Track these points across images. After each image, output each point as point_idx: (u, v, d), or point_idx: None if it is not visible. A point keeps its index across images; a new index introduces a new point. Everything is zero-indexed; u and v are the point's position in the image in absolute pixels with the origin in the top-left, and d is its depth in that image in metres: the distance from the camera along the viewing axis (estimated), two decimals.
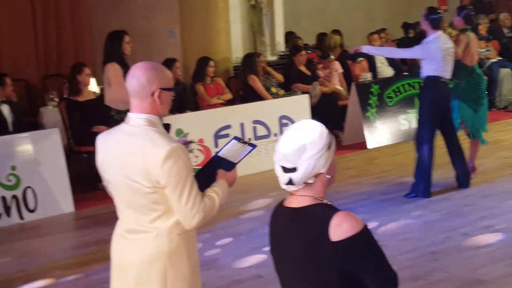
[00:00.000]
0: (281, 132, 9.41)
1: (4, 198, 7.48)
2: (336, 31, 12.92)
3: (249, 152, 3.37)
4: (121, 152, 3.13)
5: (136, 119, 3.13)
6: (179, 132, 8.57)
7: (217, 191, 3.22)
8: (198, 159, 8.67)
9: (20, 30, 11.44)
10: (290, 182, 2.60)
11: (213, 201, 3.18)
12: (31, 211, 7.65)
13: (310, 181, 2.60)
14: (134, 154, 3.07)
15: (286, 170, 2.60)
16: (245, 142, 3.38)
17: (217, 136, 8.92)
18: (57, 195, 7.83)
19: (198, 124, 8.84)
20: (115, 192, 3.28)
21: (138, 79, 3.11)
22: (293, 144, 2.57)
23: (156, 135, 3.07)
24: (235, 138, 3.42)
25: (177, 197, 3.05)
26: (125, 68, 7.34)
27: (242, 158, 3.37)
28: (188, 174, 3.06)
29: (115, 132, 3.21)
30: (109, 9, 11.86)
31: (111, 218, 7.51)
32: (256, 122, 9.34)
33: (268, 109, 9.57)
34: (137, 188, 3.10)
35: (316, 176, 2.60)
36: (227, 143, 3.41)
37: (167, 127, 3.38)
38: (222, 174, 3.32)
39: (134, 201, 3.15)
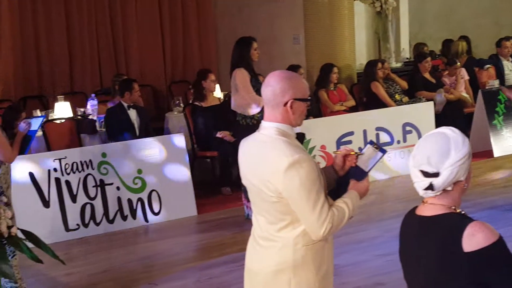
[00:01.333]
0: (405, 139, 9.25)
1: (130, 201, 7.69)
2: (463, 37, 12.52)
3: (380, 158, 3.28)
4: (252, 159, 3.15)
5: (267, 128, 3.13)
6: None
7: (347, 202, 3.14)
8: (320, 165, 8.59)
9: (149, 37, 11.81)
10: (429, 187, 2.54)
11: (343, 212, 3.10)
12: (156, 213, 7.82)
13: (449, 188, 2.54)
14: (261, 162, 3.08)
15: (427, 174, 2.53)
16: (377, 147, 3.28)
17: (340, 142, 8.82)
18: (181, 199, 7.96)
19: (320, 130, 8.77)
20: (251, 198, 3.29)
21: (272, 88, 3.10)
22: (438, 149, 2.52)
23: (282, 145, 3.05)
24: (370, 142, 3.32)
25: (301, 208, 3.02)
26: (252, 74, 7.39)
27: (372, 166, 3.27)
28: (312, 185, 3.01)
29: (251, 139, 3.23)
30: (234, 16, 12.03)
31: (233, 223, 7.62)
32: (379, 129, 9.18)
33: (392, 116, 9.38)
34: (263, 196, 3.11)
35: (455, 183, 2.55)
36: (362, 149, 3.32)
37: (301, 136, 3.33)
38: (353, 184, 3.23)
39: (264, 209, 3.16)
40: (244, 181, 3.27)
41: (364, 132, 9.06)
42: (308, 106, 3.18)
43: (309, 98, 3.20)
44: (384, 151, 3.28)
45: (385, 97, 10.22)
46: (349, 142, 8.81)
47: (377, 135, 9.14)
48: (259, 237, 3.21)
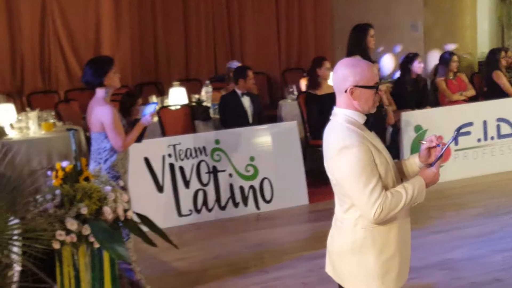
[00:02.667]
0: None
1: (242, 188, 7.72)
2: None
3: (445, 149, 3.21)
4: (324, 146, 3.25)
5: (336, 114, 3.22)
6: (418, 128, 8.31)
7: (407, 187, 3.14)
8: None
9: (264, 25, 11.81)
10: None
11: (399, 197, 3.11)
12: (267, 201, 7.82)
13: None
14: (326, 148, 3.21)
15: None
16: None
17: (458, 133, 8.53)
18: (292, 187, 7.93)
19: (438, 120, 8.50)
20: None
21: (336, 75, 3.22)
22: None
23: (340, 130, 3.14)
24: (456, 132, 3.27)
25: (352, 191, 3.09)
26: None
27: (439, 156, 3.22)
28: (362, 170, 3.04)
29: (327, 127, 3.29)
30: (351, 3, 11.84)
31: None
32: (500, 120, 8.81)
33: None
34: (331, 179, 3.24)
35: None
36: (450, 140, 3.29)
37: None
38: (422, 171, 3.24)
39: (334, 192, 3.28)
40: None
41: (484, 123, 8.73)
42: (373, 93, 3.17)
43: (374, 85, 3.17)
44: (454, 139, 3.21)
45: (507, 87, 9.81)
46: (468, 133, 8.52)
47: (498, 127, 8.79)
48: (335, 218, 3.35)
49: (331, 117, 3.25)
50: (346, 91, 3.14)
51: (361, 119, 3.19)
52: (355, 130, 3.13)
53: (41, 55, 10.11)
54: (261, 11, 11.78)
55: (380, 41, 8.06)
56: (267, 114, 9.04)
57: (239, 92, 8.54)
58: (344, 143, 3.07)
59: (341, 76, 3.16)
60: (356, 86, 3.13)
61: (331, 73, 9.77)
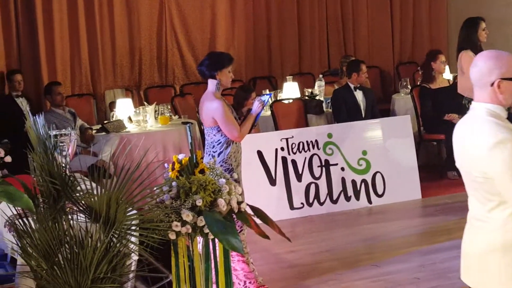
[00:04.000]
0: None
1: (354, 182, 7.68)
2: None
3: None
4: (461, 141, 3.12)
5: (477, 109, 3.09)
6: None
7: None
8: None
9: (378, 18, 11.68)
10: None
11: None
12: (379, 195, 7.75)
13: None
14: (468, 143, 3.06)
15: None
16: None
17: None
18: (405, 182, 7.82)
19: None
20: (463, 179, 3.22)
21: (479, 68, 3.07)
22: None
23: (489, 125, 3.00)
24: None
25: (506, 188, 2.94)
26: None
27: None
28: None
29: (463, 121, 3.17)
30: None
31: (458, 208, 7.31)
32: None
33: None
34: (471, 176, 3.08)
35: None
36: None
37: None
38: None
39: (473, 189, 3.12)
40: (457, 163, 3.21)
41: None
42: None
43: None
44: None
45: None
46: None
47: None
48: (472, 217, 3.18)
49: (469, 112, 3.14)
50: (492, 85, 3.02)
51: (504, 113, 3.07)
52: (503, 124, 3.02)
53: (158, 51, 10.39)
54: (375, 4, 11.65)
55: (498, 35, 7.79)
56: (380, 108, 8.95)
57: (352, 86, 8.49)
58: (496, 138, 2.93)
59: (484, 69, 3.04)
60: (502, 78, 3.01)
61: (447, 67, 9.55)
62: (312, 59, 11.42)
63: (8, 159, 3.26)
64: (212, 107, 5.26)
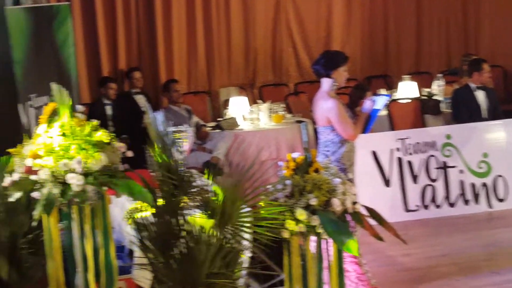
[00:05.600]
0: None
1: (473, 185, 7.44)
2: None
3: None
4: None
5: None
6: None
7: None
8: None
9: (502, 16, 11.29)
10: None
11: None
12: (501, 200, 7.47)
13: None
14: None
15: None
16: None
17: None
18: None
19: None
20: None
21: None
22: None
23: None
24: None
25: None
26: None
27: None
28: None
29: None
30: None
31: None
32: None
33: None
34: None
35: None
36: None
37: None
38: None
39: None
40: None
41: None
42: None
43: None
44: None
45: None
46: None
47: None
48: None
49: None
50: None
51: None
52: None
53: (273, 49, 10.43)
54: (499, 1, 11.23)
55: None
56: (503, 109, 8.61)
57: (473, 86, 8.20)
58: None
59: None
60: None
61: None
62: (431, 58, 11.16)
63: (130, 154, 3.33)
64: (326, 106, 5.21)
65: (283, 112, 8.69)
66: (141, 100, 8.81)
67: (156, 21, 9.46)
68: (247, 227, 3.48)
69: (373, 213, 3.95)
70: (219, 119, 8.89)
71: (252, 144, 8.09)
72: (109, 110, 8.61)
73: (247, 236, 3.51)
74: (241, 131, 8.31)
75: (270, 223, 3.50)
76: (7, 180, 3.25)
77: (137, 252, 3.82)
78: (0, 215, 3.60)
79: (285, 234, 3.62)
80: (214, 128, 8.49)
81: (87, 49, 9.19)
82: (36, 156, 3.16)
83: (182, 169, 3.48)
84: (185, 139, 5.38)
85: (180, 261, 3.37)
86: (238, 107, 8.70)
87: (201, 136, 8.28)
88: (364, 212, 3.91)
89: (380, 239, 3.83)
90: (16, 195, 3.24)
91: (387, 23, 11.00)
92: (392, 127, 8.45)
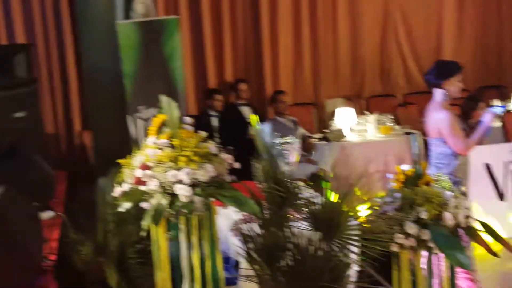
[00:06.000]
0: None
1: None
2: None
3: None
4: None
5: None
6: None
7: None
8: None
9: None
10: None
11: None
12: None
13: None
14: None
15: None
16: None
17: None
18: None
19: None
20: None
21: None
22: None
23: None
24: None
25: None
26: None
27: None
28: None
29: None
30: None
31: None
32: None
33: None
34: None
35: None
36: None
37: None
38: None
39: None
40: None
41: None
42: None
43: None
44: None
45: None
46: None
47: None
48: None
49: None
50: None
51: None
52: None
53: (381, 60, 10.29)
54: None
55: None
56: None
57: None
58: None
59: None
60: None
61: None
62: None
63: (237, 165, 3.34)
64: (438, 118, 5.08)
65: (391, 124, 8.56)
66: (247, 111, 8.87)
67: (262, 33, 9.51)
68: (355, 240, 3.42)
69: (487, 228, 3.79)
70: (325, 130, 8.84)
71: (359, 156, 8.00)
72: (215, 121, 8.72)
73: (354, 249, 3.45)
74: (348, 143, 8.23)
75: (378, 237, 3.42)
76: (117, 191, 3.31)
77: (243, 264, 3.82)
78: (110, 225, 3.67)
79: (395, 248, 3.54)
80: (320, 139, 8.45)
81: (194, 61, 9.34)
82: (145, 167, 3.20)
83: (289, 180, 3.46)
84: (292, 151, 5.37)
85: (287, 274, 3.35)
86: (345, 118, 8.63)
87: (307, 148, 8.25)
88: (478, 226, 3.77)
89: (495, 254, 3.68)
90: (125, 206, 3.29)
91: (501, 32, 10.64)
92: (507, 139, 8.18)
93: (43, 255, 4.22)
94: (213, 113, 8.76)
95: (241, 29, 9.53)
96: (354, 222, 3.44)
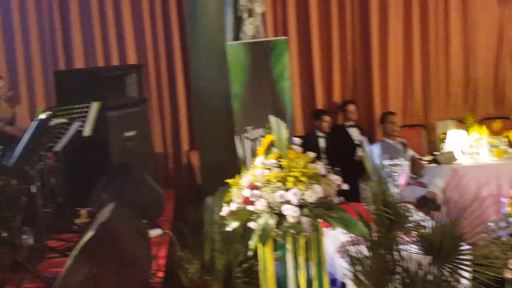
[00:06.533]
0: None
1: None
2: None
3: None
4: None
5: None
6: None
7: None
8: None
9: None
10: None
11: None
12: None
13: None
14: None
15: None
16: None
17: None
18: None
19: None
20: None
21: None
22: None
23: None
24: None
25: None
26: None
27: None
28: None
29: None
30: None
31: None
32: None
33: None
34: None
35: None
36: None
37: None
38: None
39: None
40: None
41: None
42: None
43: None
44: None
45: None
46: None
47: None
48: None
49: None
50: None
51: None
52: None
53: (495, 81, 9.97)
54: None
55: None
56: None
57: None
58: None
59: None
60: None
61: None
62: None
63: (345, 187, 3.30)
64: None
65: (505, 147, 8.30)
66: (354, 133, 8.80)
67: (371, 54, 9.41)
68: (467, 266, 3.32)
69: None
70: (435, 153, 8.65)
71: (471, 180, 7.77)
72: (322, 142, 8.68)
73: (466, 274, 3.35)
74: (459, 166, 8.02)
75: (491, 262, 3.31)
76: (225, 210, 3.33)
77: (350, 286, 3.77)
78: (217, 244, 3.70)
79: (508, 275, 3.43)
80: (430, 162, 8.28)
81: (302, 82, 9.34)
82: (253, 187, 3.22)
83: (398, 203, 3.40)
84: (401, 173, 5.28)
85: None
86: (456, 140, 8.43)
87: (416, 170, 8.09)
88: None
89: None
90: (233, 225, 3.31)
91: None
92: None
93: (152, 272, 4.30)
94: (320, 134, 8.73)
95: (350, 50, 9.48)
96: (465, 247, 3.34)
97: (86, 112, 6.11)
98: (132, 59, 8.58)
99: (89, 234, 3.77)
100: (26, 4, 8.42)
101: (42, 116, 5.20)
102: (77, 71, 8.18)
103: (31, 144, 5.15)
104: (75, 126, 5.88)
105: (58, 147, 5.89)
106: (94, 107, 6.15)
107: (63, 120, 5.75)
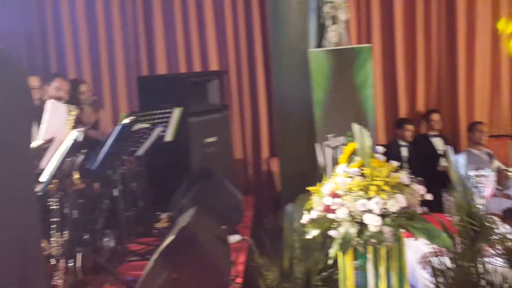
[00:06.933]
0: None
1: None
2: None
3: None
4: None
5: None
6: None
7: None
8: None
9: None
10: None
11: None
12: None
13: None
14: None
15: None
16: None
17: None
18: None
19: None
20: None
21: None
22: None
23: None
24: None
25: None
26: None
27: None
28: None
29: None
30: None
31: None
32: None
33: None
34: None
35: None
36: None
37: None
38: None
39: None
40: None
41: None
42: None
43: None
44: None
45: None
46: None
47: None
48: None
49: None
50: None
51: None
52: None
53: None
54: None
55: None
56: None
57: None
58: None
59: None
60: None
61: None
62: None
63: (429, 197, 3.22)
64: None
65: None
66: (438, 142, 8.64)
67: (457, 63, 9.19)
68: None
69: None
70: None
71: None
72: (404, 151, 8.55)
73: None
74: None
75: None
76: (305, 218, 3.30)
77: None
78: (297, 251, 3.67)
79: None
80: None
81: (385, 90, 9.22)
82: (335, 195, 3.18)
83: (483, 214, 3.30)
84: (486, 184, 5.13)
85: None
86: None
87: (502, 182, 7.87)
88: None
89: None
90: (313, 233, 3.28)
91: None
92: None
93: (231, 277, 4.30)
94: (403, 143, 8.60)
95: (435, 59, 9.29)
96: None
97: (168, 117, 6.19)
98: (214, 66, 8.66)
99: (170, 238, 3.80)
100: (111, 11, 8.60)
101: (125, 121, 5.28)
102: (160, 77, 8.30)
103: (114, 149, 5.24)
104: (157, 131, 5.96)
105: (140, 151, 5.98)
106: (176, 112, 6.22)
107: (145, 125, 5.84)
